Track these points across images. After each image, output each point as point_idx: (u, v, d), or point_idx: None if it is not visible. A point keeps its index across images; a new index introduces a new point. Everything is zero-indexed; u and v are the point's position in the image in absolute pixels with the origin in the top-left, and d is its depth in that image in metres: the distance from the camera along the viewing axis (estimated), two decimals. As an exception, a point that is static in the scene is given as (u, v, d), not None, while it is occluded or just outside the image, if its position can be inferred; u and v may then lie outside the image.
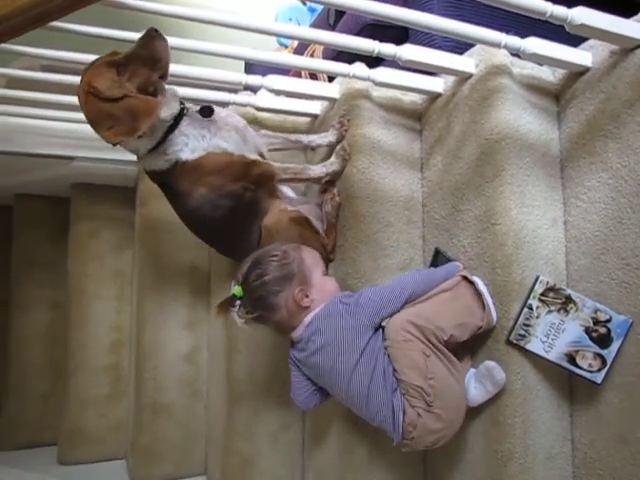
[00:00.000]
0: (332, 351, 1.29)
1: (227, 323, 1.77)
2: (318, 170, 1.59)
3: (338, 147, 1.58)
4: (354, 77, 1.50)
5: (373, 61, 1.51)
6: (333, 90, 1.66)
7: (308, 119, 1.85)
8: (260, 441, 1.77)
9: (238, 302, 1.34)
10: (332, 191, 1.60)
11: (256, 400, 1.77)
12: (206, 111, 1.46)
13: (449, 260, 1.46)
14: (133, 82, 1.31)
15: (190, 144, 1.44)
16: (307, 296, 1.33)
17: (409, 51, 1.41)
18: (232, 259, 1.66)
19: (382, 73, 1.51)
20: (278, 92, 1.60)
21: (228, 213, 1.49)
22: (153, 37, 1.30)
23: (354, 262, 1.54)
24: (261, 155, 1.56)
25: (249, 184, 1.49)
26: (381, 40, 1.39)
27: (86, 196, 2.40)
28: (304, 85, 1.65)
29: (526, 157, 1.38)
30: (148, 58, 1.31)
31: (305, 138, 1.68)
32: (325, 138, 1.62)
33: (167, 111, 1.40)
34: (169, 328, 2.05)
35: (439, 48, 1.46)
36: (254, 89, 1.68)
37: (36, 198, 2.63)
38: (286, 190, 1.64)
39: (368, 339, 1.29)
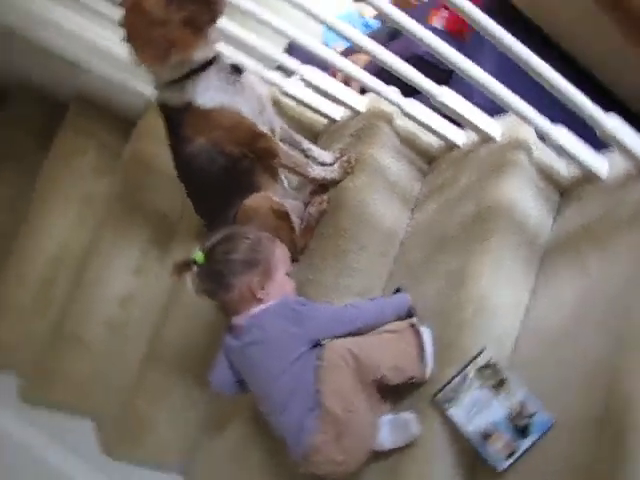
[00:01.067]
0: (265, 350, 1.28)
1: (174, 283, 1.74)
2: (317, 171, 1.58)
3: (344, 158, 1.58)
4: (385, 98, 1.50)
5: (408, 91, 1.51)
6: (361, 103, 1.66)
7: (326, 121, 1.84)
8: (162, 408, 1.74)
9: (196, 268, 1.32)
10: (322, 197, 1.60)
11: (173, 367, 1.74)
12: (236, 69, 1.45)
13: None
14: (180, 14, 1.30)
15: (209, 92, 1.42)
16: (263, 289, 1.32)
17: (446, 94, 1.42)
18: (204, 222, 1.63)
19: (412, 105, 1.53)
20: (309, 84, 1.60)
21: (221, 173, 1.48)
22: None
23: (318, 272, 1.53)
24: (272, 132, 1.55)
25: (250, 153, 1.48)
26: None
27: (86, 111, 2.35)
28: (336, 87, 1.65)
29: (515, 236, 1.40)
30: None
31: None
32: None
33: (201, 54, 1.39)
34: (116, 266, 2.01)
35: (475, 104, 1.47)
36: (287, 72, 1.68)
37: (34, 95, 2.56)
38: (283, 179, 1.63)
39: (303, 352, 1.28)
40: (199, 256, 1.31)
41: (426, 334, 1.35)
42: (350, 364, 1.24)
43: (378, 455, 1.33)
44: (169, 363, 1.75)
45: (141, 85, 1.89)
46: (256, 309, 1.31)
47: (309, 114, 1.83)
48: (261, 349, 1.28)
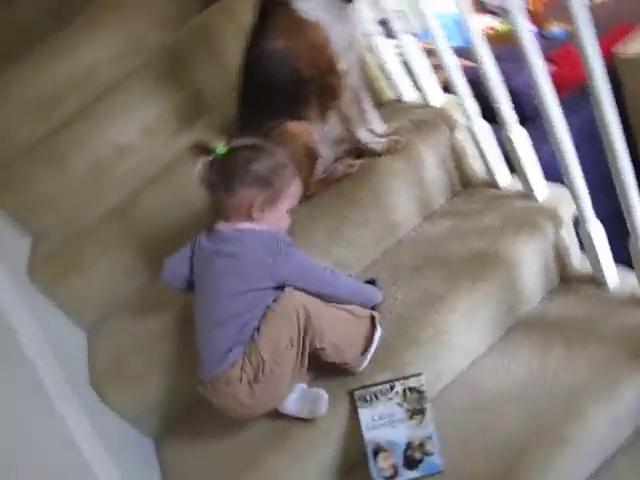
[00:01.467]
0: (234, 266, 1.25)
1: (178, 158, 1.70)
2: (364, 135, 1.57)
3: (395, 137, 1.56)
4: (462, 107, 1.47)
5: (486, 113, 1.50)
6: (437, 98, 1.62)
7: (394, 97, 1.80)
8: (104, 260, 1.72)
9: (212, 158, 1.27)
10: (355, 161, 1.58)
11: (134, 232, 1.72)
12: None
13: None
14: None
15: (312, 2, 1.40)
16: (262, 211, 1.29)
17: (518, 133, 1.41)
18: (238, 121, 1.58)
19: (481, 127, 1.50)
20: (401, 54, 1.56)
21: (281, 84, 1.45)
22: None
23: (312, 223, 1.52)
24: (344, 75, 1.50)
25: (317, 81, 1.46)
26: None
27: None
28: (425, 71, 1.60)
29: (505, 293, 1.42)
30: None
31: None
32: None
33: None
34: (130, 115, 1.94)
35: (539, 156, 1.45)
36: (387, 32, 1.63)
37: None
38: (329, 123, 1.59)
39: (266, 287, 1.25)
40: (221, 148, 1.27)
41: (379, 332, 1.35)
42: (300, 321, 1.22)
43: (276, 415, 1.33)
44: (132, 226, 1.71)
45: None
46: (244, 225, 1.28)
47: (383, 82, 1.78)
48: (230, 263, 1.25)
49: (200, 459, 1.39)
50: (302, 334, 1.23)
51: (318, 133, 1.53)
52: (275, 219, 1.31)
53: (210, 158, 1.27)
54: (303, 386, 1.34)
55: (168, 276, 1.39)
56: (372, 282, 1.49)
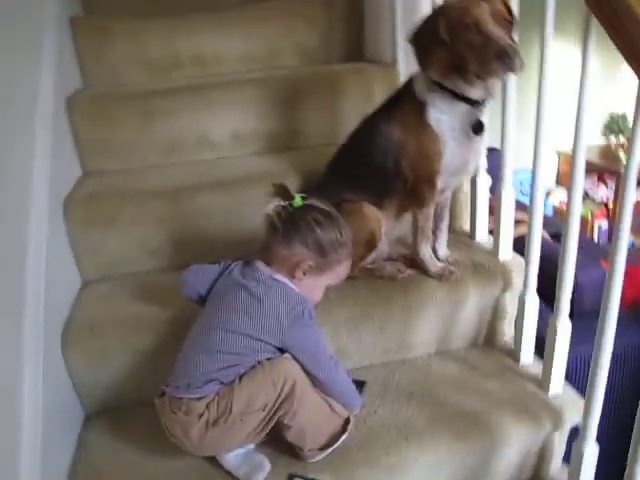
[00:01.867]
0: (252, 307, 1.23)
1: (255, 178, 1.74)
2: (425, 251, 1.58)
3: (452, 268, 1.58)
4: (526, 273, 1.48)
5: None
6: (507, 253, 1.64)
7: (469, 229, 1.82)
8: (135, 228, 1.72)
9: (287, 204, 1.28)
10: (405, 269, 1.60)
11: (173, 224, 1.73)
12: (477, 125, 1.43)
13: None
14: (462, 46, 1.31)
15: (442, 116, 1.41)
16: (305, 275, 1.28)
17: (564, 325, 1.40)
18: (322, 177, 1.60)
19: (531, 301, 1.51)
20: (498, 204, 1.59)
21: (378, 167, 1.48)
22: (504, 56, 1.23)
23: (338, 302, 1.51)
24: (439, 192, 1.53)
25: (410, 182, 1.48)
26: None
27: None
28: (507, 222, 1.62)
29: (478, 460, 1.39)
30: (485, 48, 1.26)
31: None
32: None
33: (475, 93, 1.40)
34: (230, 117, 1.97)
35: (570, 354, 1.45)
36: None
37: None
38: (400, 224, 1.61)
39: (269, 343, 1.23)
40: (299, 201, 1.28)
41: (345, 436, 1.32)
42: (283, 392, 1.20)
43: (212, 460, 1.30)
44: (180, 213, 1.72)
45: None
46: (283, 279, 1.28)
47: (466, 212, 1.80)
48: (252, 304, 1.24)
49: (118, 461, 1.36)
50: (277, 404, 1.21)
51: (386, 227, 1.54)
52: (312, 287, 1.31)
53: (285, 203, 1.28)
54: (250, 447, 1.31)
55: (188, 280, 1.38)
56: (361, 384, 1.48)
